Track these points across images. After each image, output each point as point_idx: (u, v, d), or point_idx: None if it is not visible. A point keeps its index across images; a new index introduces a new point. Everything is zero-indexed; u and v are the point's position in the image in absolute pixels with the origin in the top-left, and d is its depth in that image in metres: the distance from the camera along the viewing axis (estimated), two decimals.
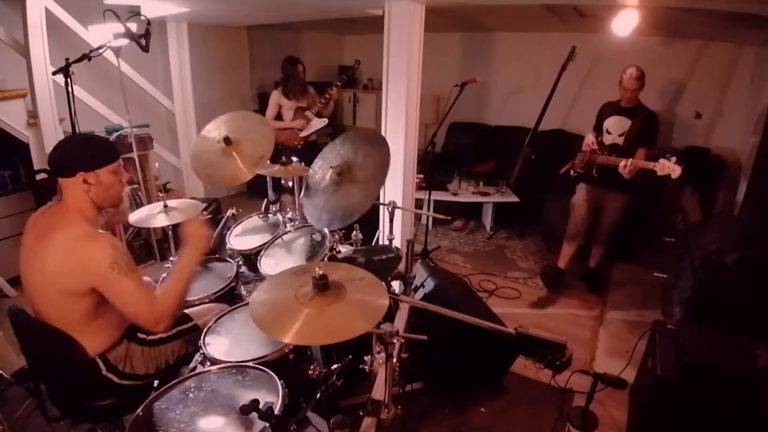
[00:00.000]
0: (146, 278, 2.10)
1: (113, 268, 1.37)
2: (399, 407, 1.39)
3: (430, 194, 4.04)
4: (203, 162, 2.15)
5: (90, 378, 1.51)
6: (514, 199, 4.42)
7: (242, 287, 2.23)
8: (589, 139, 3.23)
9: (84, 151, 1.49)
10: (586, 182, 3.28)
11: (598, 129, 3.29)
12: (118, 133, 3.54)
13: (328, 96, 3.83)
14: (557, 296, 3.39)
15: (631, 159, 2.87)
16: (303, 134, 3.82)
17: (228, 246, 2.34)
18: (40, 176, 3.09)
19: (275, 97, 3.88)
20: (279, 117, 3.89)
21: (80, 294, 1.39)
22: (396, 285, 2.50)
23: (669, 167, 2.70)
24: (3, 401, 2.08)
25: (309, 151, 3.87)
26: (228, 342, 1.67)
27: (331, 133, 6.16)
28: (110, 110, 3.73)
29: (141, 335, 1.65)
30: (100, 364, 1.52)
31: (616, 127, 3.14)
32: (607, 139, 3.20)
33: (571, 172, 3.35)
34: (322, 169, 2.08)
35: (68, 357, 1.47)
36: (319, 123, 3.85)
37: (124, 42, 2.58)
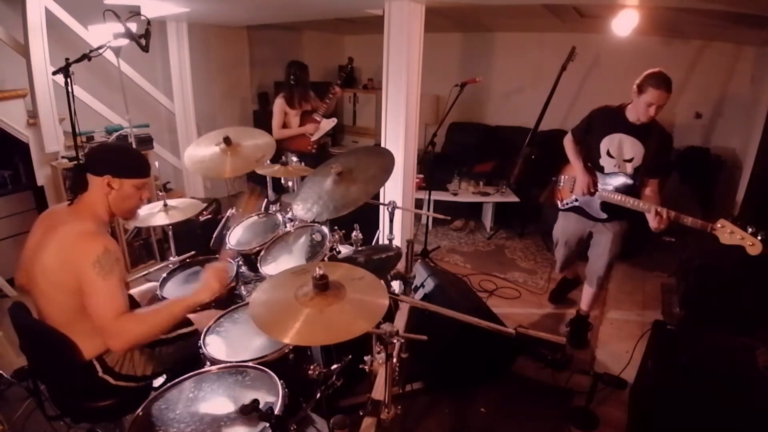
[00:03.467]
0: (153, 284, 2.11)
1: (95, 266, 1.36)
2: (399, 407, 1.39)
3: (430, 194, 4.04)
4: (199, 160, 2.18)
5: (86, 379, 1.51)
6: (514, 199, 4.42)
7: (242, 287, 2.23)
8: (586, 181, 2.41)
9: (119, 158, 1.56)
10: (577, 212, 2.61)
11: (588, 142, 2.50)
12: (118, 133, 3.55)
13: (331, 96, 3.79)
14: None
15: (666, 211, 2.13)
16: (314, 138, 3.78)
17: (228, 246, 2.34)
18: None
19: (280, 105, 3.73)
20: (284, 125, 3.80)
21: (71, 291, 1.39)
22: (396, 285, 2.50)
23: (740, 237, 1.97)
24: (3, 401, 2.08)
25: (322, 154, 3.84)
26: (228, 342, 1.67)
27: (331, 134, 6.18)
28: (110, 110, 3.73)
29: None
30: (97, 366, 1.52)
31: (623, 150, 2.35)
32: (608, 164, 2.40)
33: (559, 204, 2.68)
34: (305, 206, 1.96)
35: (64, 359, 1.47)
36: (328, 124, 3.81)
37: (124, 42, 2.58)
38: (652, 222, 2.16)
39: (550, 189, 2.75)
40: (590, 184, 2.41)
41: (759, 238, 1.94)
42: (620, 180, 2.37)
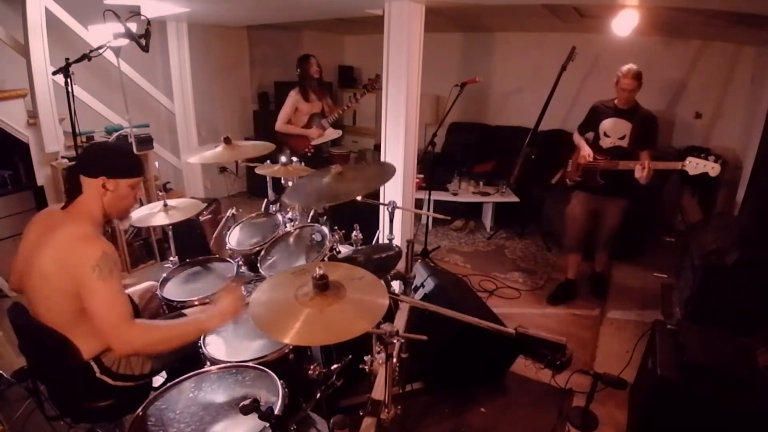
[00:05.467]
0: (150, 283, 2.11)
1: (94, 270, 1.35)
2: (399, 407, 1.39)
3: (430, 194, 4.04)
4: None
5: (84, 380, 1.51)
6: (514, 199, 4.42)
7: (242, 287, 2.22)
8: (586, 151, 3.01)
9: (113, 158, 1.54)
10: (585, 190, 3.13)
11: (590, 130, 3.09)
12: (118, 133, 3.55)
13: (347, 106, 3.81)
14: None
15: (647, 161, 2.70)
16: (315, 142, 3.79)
17: (228, 246, 2.34)
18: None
19: (293, 98, 3.74)
20: (291, 121, 3.82)
21: (70, 294, 1.39)
22: (396, 285, 2.50)
23: (704, 165, 2.55)
24: (3, 401, 2.08)
25: (316, 157, 3.85)
26: (228, 342, 1.67)
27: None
28: (110, 110, 3.73)
29: None
30: (94, 366, 1.51)
31: (615, 129, 2.96)
32: (606, 143, 3.00)
33: (567, 181, 3.19)
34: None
35: (62, 359, 1.47)
36: (333, 134, 3.83)
37: (124, 42, 2.57)
38: (639, 174, 2.72)
39: (562, 172, 3.26)
40: (589, 154, 3.00)
41: (718, 162, 2.55)
42: (616, 152, 2.95)
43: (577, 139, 3.15)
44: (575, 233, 3.23)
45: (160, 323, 1.60)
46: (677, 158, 2.70)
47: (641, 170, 2.69)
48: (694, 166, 2.58)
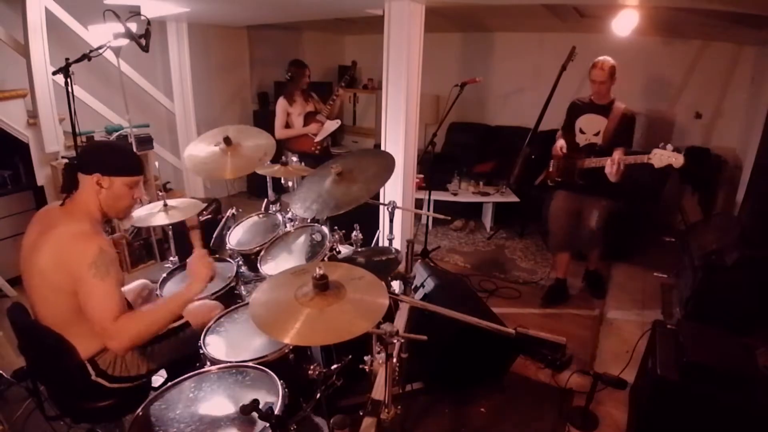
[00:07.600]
0: (143, 281, 2.10)
1: (91, 268, 1.35)
2: (399, 407, 1.39)
3: (430, 194, 4.04)
4: (200, 161, 2.19)
5: (81, 382, 1.51)
6: (514, 199, 4.42)
7: (242, 287, 2.23)
8: (559, 144, 3.00)
9: (108, 156, 1.54)
10: (566, 189, 3.10)
11: (568, 128, 3.08)
12: (118, 133, 3.55)
13: (335, 98, 3.85)
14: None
15: (617, 156, 2.67)
16: (318, 139, 3.82)
17: (228, 246, 2.34)
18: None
19: (282, 105, 3.82)
20: (288, 125, 3.86)
21: (68, 292, 1.39)
22: (396, 285, 2.50)
23: (668, 156, 2.50)
24: (3, 401, 2.08)
25: (324, 155, 3.87)
26: (228, 342, 1.67)
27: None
28: (110, 110, 3.73)
29: None
30: (90, 369, 1.51)
31: (590, 125, 2.94)
32: (581, 140, 2.98)
33: (548, 182, 3.18)
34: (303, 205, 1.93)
35: (62, 360, 1.47)
36: (333, 125, 3.86)
37: (124, 42, 2.58)
38: (609, 170, 2.70)
39: (545, 173, 3.24)
40: (563, 146, 2.98)
41: (681, 153, 2.50)
42: (591, 149, 2.93)
43: (558, 137, 3.15)
44: (559, 232, 3.20)
45: (142, 310, 1.58)
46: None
47: (611, 165, 2.68)
48: (658, 158, 2.54)
